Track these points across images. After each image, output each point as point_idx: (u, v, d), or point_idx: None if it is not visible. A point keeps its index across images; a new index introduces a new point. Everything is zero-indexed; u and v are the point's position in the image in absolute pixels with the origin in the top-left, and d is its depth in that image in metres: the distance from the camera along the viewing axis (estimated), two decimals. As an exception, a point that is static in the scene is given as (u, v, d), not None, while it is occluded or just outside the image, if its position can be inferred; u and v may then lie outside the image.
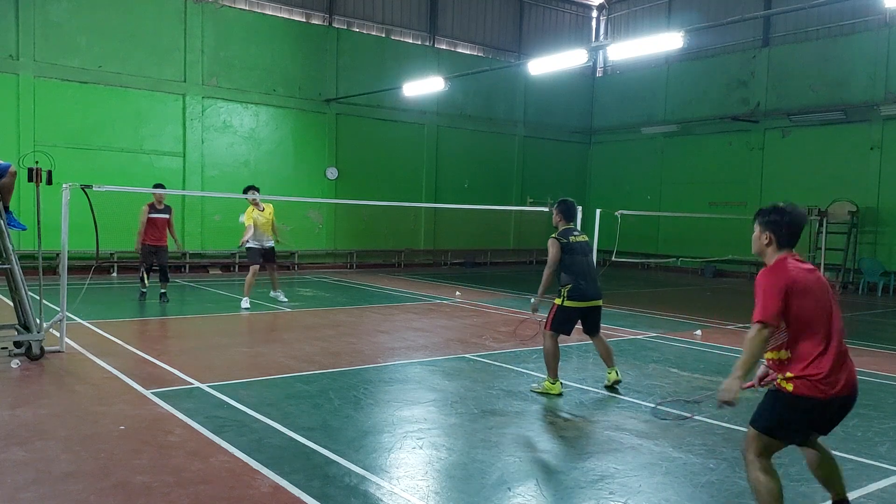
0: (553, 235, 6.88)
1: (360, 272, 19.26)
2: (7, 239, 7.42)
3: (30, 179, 7.50)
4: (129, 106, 16.86)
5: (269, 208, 12.22)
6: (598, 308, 6.96)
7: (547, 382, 6.73)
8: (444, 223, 22.12)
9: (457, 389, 6.79)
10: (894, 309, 14.79)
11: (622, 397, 6.62)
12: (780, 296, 3.50)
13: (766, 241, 3.72)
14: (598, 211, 13.18)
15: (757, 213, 3.81)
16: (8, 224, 7.49)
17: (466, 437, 5.38)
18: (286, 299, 12.51)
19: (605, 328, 10.71)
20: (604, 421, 5.83)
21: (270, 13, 19.07)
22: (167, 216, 12.27)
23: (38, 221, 7.68)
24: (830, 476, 3.90)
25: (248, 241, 11.92)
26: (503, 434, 5.43)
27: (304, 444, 5.01)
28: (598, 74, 26.10)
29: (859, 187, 18.27)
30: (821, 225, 18.15)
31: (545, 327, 6.83)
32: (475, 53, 23.15)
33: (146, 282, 12.36)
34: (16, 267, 7.39)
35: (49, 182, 7.56)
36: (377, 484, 4.35)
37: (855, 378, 3.65)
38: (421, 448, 5.05)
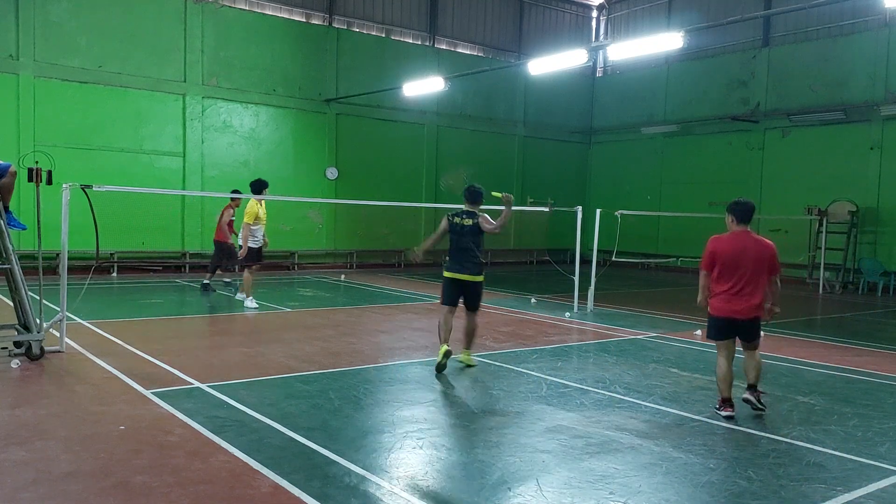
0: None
1: (361, 272, 19.26)
2: (7, 239, 7.42)
3: (30, 179, 7.49)
4: (129, 106, 16.86)
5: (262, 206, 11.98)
6: (465, 283, 7.50)
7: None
8: (444, 223, 22.05)
9: (457, 389, 6.79)
10: (894, 309, 14.79)
11: (622, 397, 6.62)
12: (710, 256, 6.06)
13: (730, 220, 6.10)
14: (598, 211, 13.20)
15: (728, 206, 6.15)
16: (8, 224, 7.49)
17: (466, 437, 5.38)
18: (255, 306, 11.64)
19: (605, 328, 10.77)
20: (604, 421, 5.83)
21: (270, 13, 19.07)
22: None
23: (38, 221, 7.68)
24: (749, 370, 6.19)
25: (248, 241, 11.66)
26: (503, 434, 5.43)
27: (304, 444, 5.01)
28: (598, 74, 26.10)
29: (859, 187, 18.27)
30: (821, 225, 18.16)
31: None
32: (475, 53, 23.15)
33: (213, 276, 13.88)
34: (16, 267, 7.39)
35: (49, 182, 7.55)
36: (377, 484, 4.35)
37: (752, 312, 5.94)
38: (421, 448, 5.05)
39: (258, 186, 11.69)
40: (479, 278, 7.56)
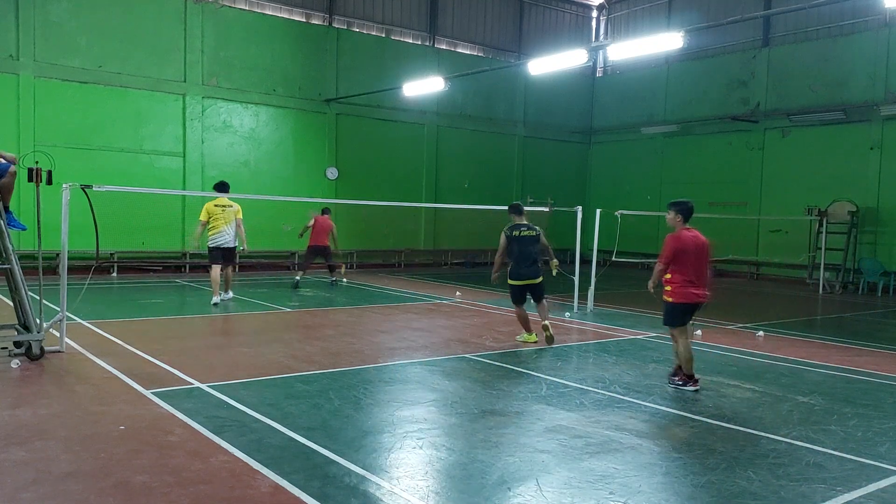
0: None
1: (360, 272, 19.26)
2: (7, 239, 7.42)
3: (30, 179, 7.49)
4: (129, 106, 16.86)
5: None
6: (532, 285, 8.94)
7: (525, 336, 9.18)
8: (444, 223, 22.10)
9: (457, 389, 6.79)
10: (894, 309, 14.78)
11: (622, 397, 6.62)
12: (674, 250, 6.86)
13: (679, 220, 7.04)
14: (598, 211, 13.21)
15: (671, 204, 7.18)
16: (8, 224, 7.49)
17: (466, 437, 5.38)
18: (217, 302, 12.09)
19: (605, 328, 10.78)
20: (604, 421, 5.83)
21: (270, 13, 19.07)
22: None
23: (38, 221, 7.68)
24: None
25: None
26: (503, 434, 5.43)
27: (304, 444, 5.01)
28: (598, 74, 26.10)
29: (859, 187, 18.27)
30: (821, 225, 18.16)
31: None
32: (475, 53, 23.15)
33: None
34: (16, 267, 7.39)
35: (49, 182, 7.55)
36: (377, 484, 4.35)
37: (704, 295, 6.93)
38: (421, 448, 5.05)
39: (227, 186, 12.73)
40: (542, 279, 8.97)
